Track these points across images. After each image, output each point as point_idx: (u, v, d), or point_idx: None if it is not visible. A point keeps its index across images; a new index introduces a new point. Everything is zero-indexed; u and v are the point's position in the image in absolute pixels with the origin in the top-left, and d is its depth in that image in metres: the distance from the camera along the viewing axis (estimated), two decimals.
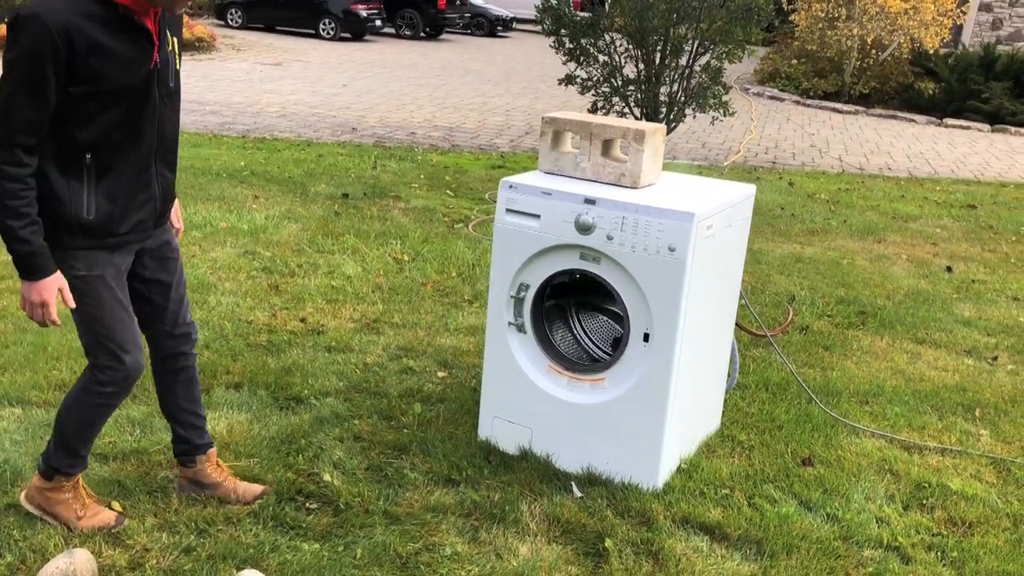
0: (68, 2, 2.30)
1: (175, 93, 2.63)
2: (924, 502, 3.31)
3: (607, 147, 3.35)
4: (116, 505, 2.93)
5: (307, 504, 3.03)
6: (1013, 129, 14.99)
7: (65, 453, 2.75)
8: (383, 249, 5.96)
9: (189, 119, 10.85)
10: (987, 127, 15.14)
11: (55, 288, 2.46)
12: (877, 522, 3.15)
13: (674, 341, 3.10)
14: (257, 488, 3.04)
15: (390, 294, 5.13)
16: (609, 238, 3.11)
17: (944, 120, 15.48)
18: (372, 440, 3.46)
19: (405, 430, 3.55)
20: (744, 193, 3.48)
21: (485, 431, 3.51)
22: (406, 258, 5.81)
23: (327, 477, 3.16)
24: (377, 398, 3.82)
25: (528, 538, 2.93)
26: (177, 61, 2.62)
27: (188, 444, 2.98)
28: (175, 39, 2.61)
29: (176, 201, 2.89)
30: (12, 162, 2.32)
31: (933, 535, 3.10)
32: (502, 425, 3.46)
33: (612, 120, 3.42)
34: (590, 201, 3.14)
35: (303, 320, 4.63)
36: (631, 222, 3.07)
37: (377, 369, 4.12)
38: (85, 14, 2.32)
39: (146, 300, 2.77)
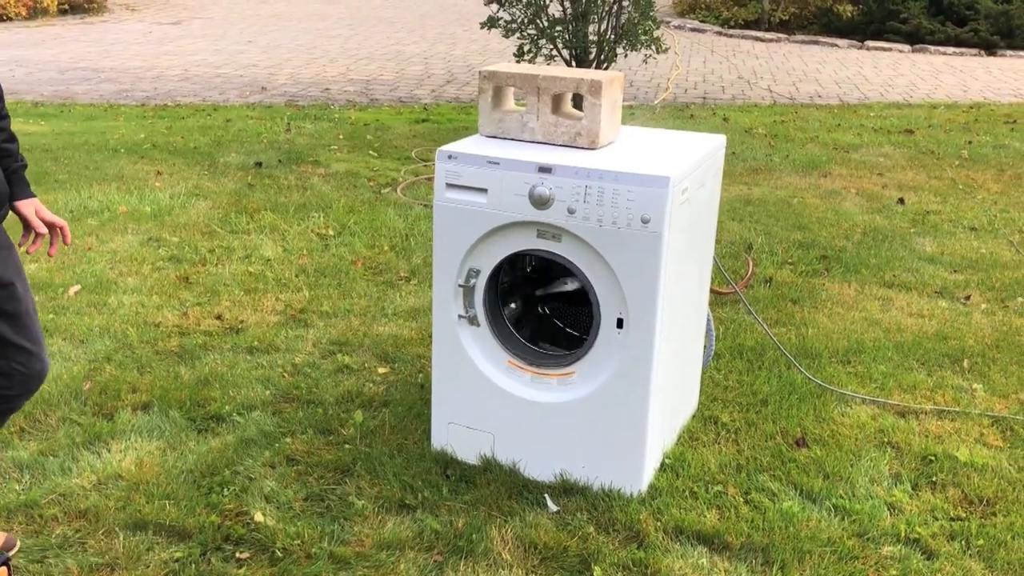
0: None
1: None
2: (933, 479, 2.98)
3: (557, 102, 2.88)
4: None
5: (237, 553, 2.55)
6: (933, 49, 14.85)
7: None
8: (305, 224, 5.39)
9: (81, 88, 9.95)
10: (908, 48, 14.98)
11: None
12: (889, 510, 2.81)
13: (653, 324, 2.68)
14: None
15: (316, 277, 4.59)
16: (570, 212, 2.65)
17: (865, 43, 15.28)
18: (309, 462, 2.98)
19: (347, 445, 3.08)
20: (714, 145, 3.05)
21: (439, 440, 3.05)
22: (331, 232, 5.26)
23: (259, 516, 2.68)
24: (311, 408, 3.33)
25: (502, 572, 2.51)
26: None
27: None
28: None
29: (35, 200, 2.34)
30: None
31: (952, 520, 2.77)
32: (459, 432, 3.01)
33: (562, 71, 2.94)
34: (545, 169, 2.67)
35: (219, 317, 4.08)
36: (595, 191, 2.62)
37: (308, 371, 3.62)
38: None
39: None
